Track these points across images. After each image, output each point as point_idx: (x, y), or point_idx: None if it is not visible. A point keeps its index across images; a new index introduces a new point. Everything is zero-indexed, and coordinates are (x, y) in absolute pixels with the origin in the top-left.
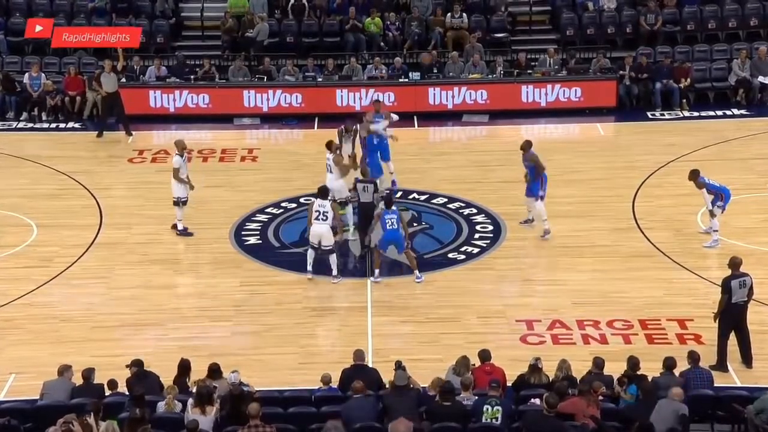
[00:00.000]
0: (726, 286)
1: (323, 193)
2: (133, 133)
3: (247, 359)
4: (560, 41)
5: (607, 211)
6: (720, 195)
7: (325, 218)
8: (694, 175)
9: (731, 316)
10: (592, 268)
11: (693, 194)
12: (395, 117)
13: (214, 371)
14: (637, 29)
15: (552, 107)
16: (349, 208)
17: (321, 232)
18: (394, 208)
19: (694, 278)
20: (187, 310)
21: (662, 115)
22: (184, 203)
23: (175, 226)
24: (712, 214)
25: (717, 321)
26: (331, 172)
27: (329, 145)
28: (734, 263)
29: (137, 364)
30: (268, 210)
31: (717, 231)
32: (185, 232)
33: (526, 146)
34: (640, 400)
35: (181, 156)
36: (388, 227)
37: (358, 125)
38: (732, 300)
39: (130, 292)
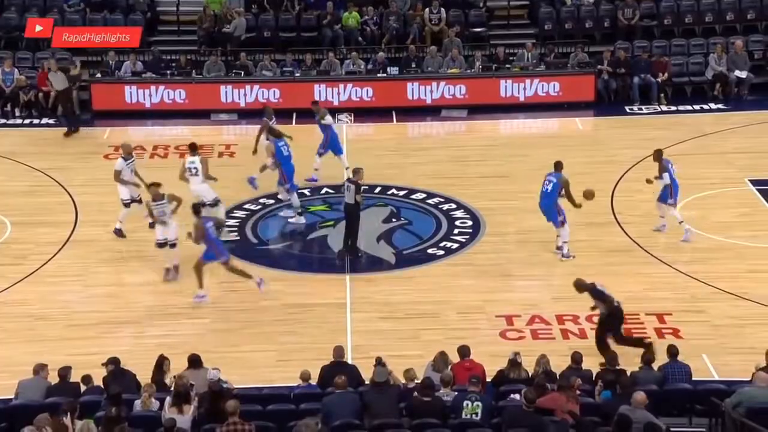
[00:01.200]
0: (601, 293)
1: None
2: (80, 130)
3: (225, 357)
4: (538, 36)
5: (586, 206)
6: (670, 188)
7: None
8: (659, 156)
9: (618, 319)
10: (571, 263)
11: None
12: (330, 120)
13: (194, 362)
14: (614, 23)
15: (530, 102)
16: (221, 209)
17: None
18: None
19: (673, 272)
20: (163, 308)
21: (640, 109)
22: (127, 205)
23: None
24: (663, 195)
25: (606, 331)
26: (196, 174)
27: (193, 147)
28: (579, 285)
29: (114, 362)
30: (246, 206)
31: (683, 222)
32: (119, 233)
33: (559, 166)
34: (619, 395)
35: (126, 160)
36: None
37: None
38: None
39: (106, 289)
